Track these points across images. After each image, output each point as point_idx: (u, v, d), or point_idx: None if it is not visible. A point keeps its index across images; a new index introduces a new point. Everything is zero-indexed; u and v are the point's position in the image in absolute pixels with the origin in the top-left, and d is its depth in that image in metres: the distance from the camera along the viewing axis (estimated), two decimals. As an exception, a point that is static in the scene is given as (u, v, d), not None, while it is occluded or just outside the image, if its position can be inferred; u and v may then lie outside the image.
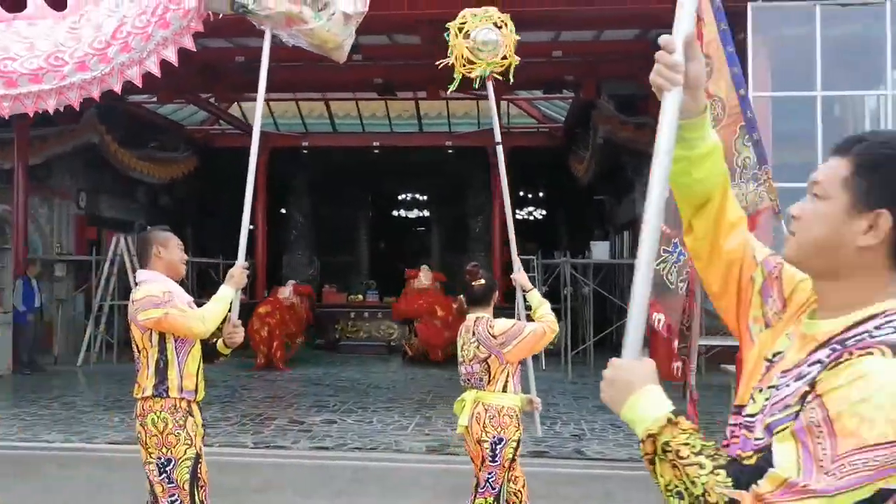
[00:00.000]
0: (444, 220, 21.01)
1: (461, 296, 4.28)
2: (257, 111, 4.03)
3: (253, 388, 10.88)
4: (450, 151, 17.50)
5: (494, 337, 3.77)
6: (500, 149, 5.15)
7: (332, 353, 15.06)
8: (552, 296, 14.03)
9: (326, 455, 7.10)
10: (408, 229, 22.07)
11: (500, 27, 4.57)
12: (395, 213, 22.47)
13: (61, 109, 3.56)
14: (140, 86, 3.99)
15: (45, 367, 12.04)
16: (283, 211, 19.85)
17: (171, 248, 3.64)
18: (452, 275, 20.12)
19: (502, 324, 3.81)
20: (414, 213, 22.44)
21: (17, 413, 8.74)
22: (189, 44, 3.87)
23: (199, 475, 3.52)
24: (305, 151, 17.91)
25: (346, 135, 17.84)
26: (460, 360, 3.95)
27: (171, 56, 3.82)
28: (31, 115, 3.63)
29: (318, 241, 19.89)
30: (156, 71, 3.73)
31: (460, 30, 4.53)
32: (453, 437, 7.70)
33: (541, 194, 22.19)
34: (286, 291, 13.38)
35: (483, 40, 4.52)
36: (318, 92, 15.72)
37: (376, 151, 17.74)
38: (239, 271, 3.73)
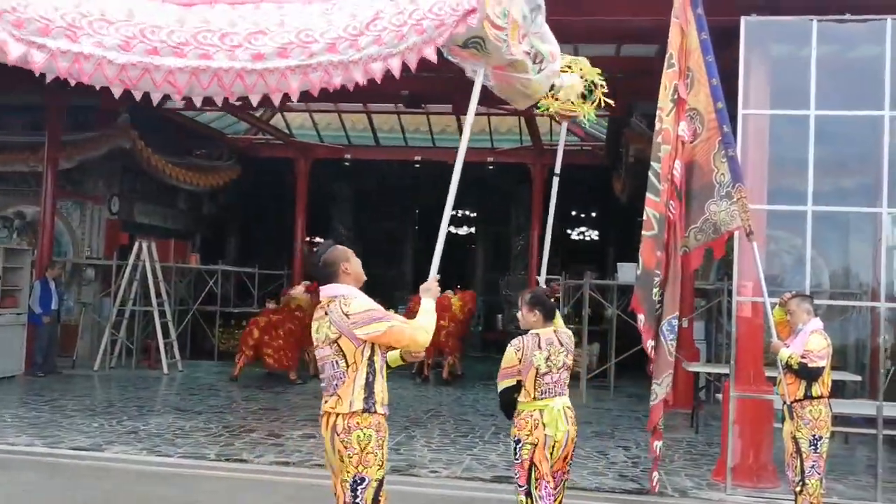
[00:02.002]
0: (487, 237, 20.70)
1: (535, 309, 4.41)
2: (463, 142, 4.28)
3: (254, 400, 10.76)
4: (490, 168, 17.21)
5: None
6: (556, 180, 5.68)
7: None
8: (577, 318, 13.60)
9: (279, 471, 6.87)
10: (452, 245, 21.82)
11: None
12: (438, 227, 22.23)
13: (293, 91, 3.53)
14: (378, 81, 3.89)
15: (61, 369, 12.23)
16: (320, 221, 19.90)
17: (353, 262, 3.69)
18: (495, 292, 19.86)
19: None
20: (462, 230, 22.18)
21: (0, 414, 8.86)
22: (431, 55, 3.92)
23: (379, 499, 3.53)
24: (348, 164, 17.92)
25: (389, 148, 17.77)
26: (545, 370, 4.22)
27: (412, 62, 3.87)
28: (255, 103, 3.62)
29: (361, 253, 19.78)
30: (396, 73, 3.77)
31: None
32: (423, 458, 7.45)
33: (593, 214, 21.60)
34: (299, 289, 13.20)
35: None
36: (360, 103, 15.67)
37: (417, 166, 17.62)
38: (433, 284, 3.85)
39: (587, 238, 21.92)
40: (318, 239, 20.82)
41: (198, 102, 3.63)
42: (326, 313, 3.55)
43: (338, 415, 3.46)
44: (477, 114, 14.32)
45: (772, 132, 6.99)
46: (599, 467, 7.46)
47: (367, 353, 3.49)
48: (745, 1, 7.01)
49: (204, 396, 10.77)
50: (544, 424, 4.18)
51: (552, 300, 4.52)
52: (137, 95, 3.45)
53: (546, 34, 4.82)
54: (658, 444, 6.51)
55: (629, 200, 14.21)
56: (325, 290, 3.63)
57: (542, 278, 4.94)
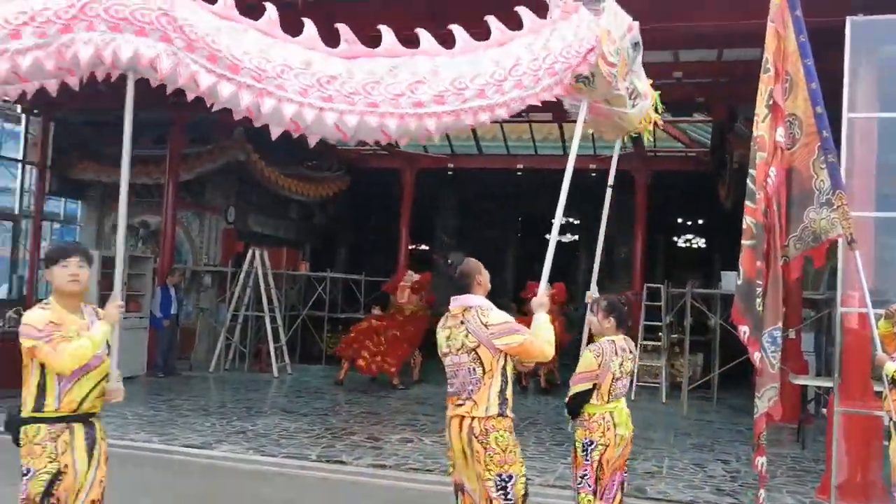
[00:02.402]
0: (590, 245, 20.49)
1: (610, 316, 4.66)
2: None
3: (357, 403, 11.10)
4: (593, 175, 17.05)
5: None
6: (609, 192, 5.92)
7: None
8: (680, 327, 13.29)
9: (376, 473, 7.09)
10: (556, 253, 21.70)
11: None
12: (546, 236, 22.21)
13: (450, 132, 4.14)
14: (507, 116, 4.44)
15: (179, 371, 12.99)
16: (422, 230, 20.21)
17: (485, 274, 3.98)
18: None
19: None
20: (566, 237, 22.03)
21: (122, 412, 9.48)
22: (560, 93, 4.46)
23: (527, 493, 3.87)
24: (451, 173, 18.17)
25: (492, 157, 17.91)
26: (619, 375, 4.52)
27: (545, 100, 4.40)
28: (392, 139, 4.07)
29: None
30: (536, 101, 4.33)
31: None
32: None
33: (699, 221, 21.03)
34: (404, 294, 13.50)
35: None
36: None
37: (519, 174, 17.68)
38: (545, 298, 4.14)
39: (693, 246, 21.35)
40: (423, 246, 21.23)
41: (353, 142, 3.96)
42: (462, 322, 3.81)
43: (473, 418, 3.75)
44: (563, 120, 14.21)
45: (880, 136, 6.69)
46: (696, 480, 7.33)
47: (501, 361, 3.77)
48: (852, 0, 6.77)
49: (310, 399, 11.20)
50: (616, 425, 4.46)
51: (626, 308, 4.77)
52: (312, 140, 3.88)
53: (641, 72, 5.21)
54: (761, 460, 6.32)
55: (734, 207, 13.78)
56: (460, 301, 3.87)
57: (592, 291, 4.98)
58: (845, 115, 6.52)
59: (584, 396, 4.49)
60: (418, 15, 8.24)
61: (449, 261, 4.02)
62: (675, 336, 13.29)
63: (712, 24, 8.18)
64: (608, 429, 4.44)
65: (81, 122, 15.11)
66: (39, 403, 3.35)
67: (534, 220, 21.29)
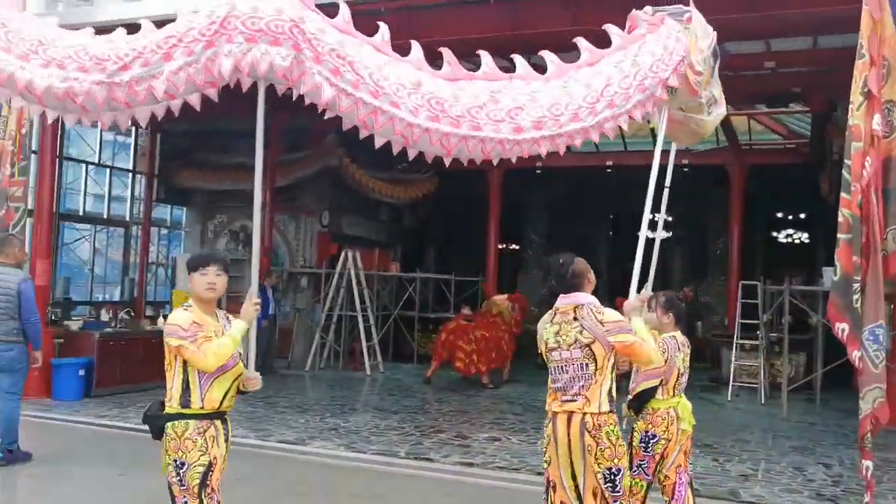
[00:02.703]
0: (684, 242, 19.99)
1: (669, 312, 4.87)
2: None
3: (446, 402, 11.22)
4: (686, 170, 16.64)
5: None
6: (666, 192, 5.62)
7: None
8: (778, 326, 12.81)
9: (463, 471, 7.17)
10: (649, 251, 21.26)
11: None
12: (639, 233, 21.77)
13: (543, 154, 4.33)
14: (611, 138, 4.73)
15: (277, 369, 13.45)
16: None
17: (592, 273, 4.12)
18: (693, 298, 19.13)
19: None
20: (661, 235, 21.55)
21: (224, 407, 9.93)
22: (651, 108, 4.64)
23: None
24: (539, 171, 18.10)
25: (580, 154, 17.70)
26: (682, 370, 4.76)
27: (637, 117, 4.63)
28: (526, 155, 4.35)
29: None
30: (625, 126, 4.57)
31: None
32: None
33: (801, 216, 20.18)
34: (501, 297, 13.62)
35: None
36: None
37: (609, 171, 17.44)
38: (638, 302, 4.35)
39: (795, 241, 20.51)
40: (513, 246, 21.21)
41: (448, 161, 4.22)
42: (576, 318, 3.89)
43: (585, 413, 3.82)
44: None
45: None
46: (794, 484, 7.07)
47: (611, 360, 3.87)
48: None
49: (401, 397, 11.40)
50: (679, 419, 4.68)
51: (683, 305, 4.97)
52: (412, 153, 4.08)
53: (717, 79, 5.28)
54: (867, 464, 6.06)
55: (836, 200, 13.16)
56: (570, 298, 3.96)
57: (647, 290, 4.74)
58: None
59: (651, 393, 4.65)
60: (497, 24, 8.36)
61: (560, 260, 4.06)
62: (775, 335, 12.82)
63: (803, 10, 7.88)
64: (671, 423, 4.65)
65: (184, 133, 15.87)
66: (185, 400, 3.57)
67: (625, 217, 20.92)
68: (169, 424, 3.57)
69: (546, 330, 4.01)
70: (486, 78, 4.24)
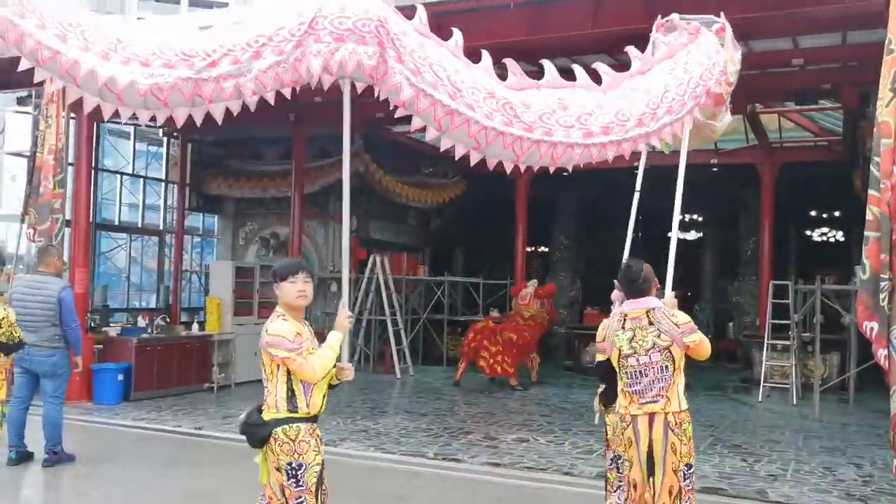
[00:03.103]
0: (715, 242, 19.88)
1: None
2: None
3: (474, 404, 11.30)
4: (715, 170, 16.56)
5: None
6: (636, 196, 6.18)
7: (579, 375, 14.88)
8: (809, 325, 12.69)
9: (490, 471, 7.25)
10: (681, 251, 21.09)
11: None
12: (669, 234, 21.64)
13: (609, 160, 4.63)
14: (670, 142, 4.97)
15: (309, 373, 13.60)
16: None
17: (656, 281, 4.36)
18: (725, 299, 19.03)
19: None
20: (690, 234, 21.43)
21: (257, 409, 10.11)
22: (697, 113, 4.94)
23: None
24: (566, 174, 18.07)
25: (608, 156, 17.72)
26: None
27: (689, 124, 4.92)
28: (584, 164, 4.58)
29: (581, 262, 19.94)
30: (682, 132, 4.91)
31: None
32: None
33: (836, 214, 19.92)
34: (527, 293, 13.64)
35: None
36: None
37: (635, 172, 17.36)
38: (672, 300, 4.52)
39: (830, 240, 20.25)
40: (541, 248, 21.23)
41: (523, 168, 4.42)
42: (652, 323, 4.09)
43: (667, 413, 4.04)
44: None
45: None
46: (823, 484, 7.05)
47: (683, 359, 4.08)
48: None
49: (430, 399, 11.50)
50: None
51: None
52: (475, 157, 4.23)
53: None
54: None
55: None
56: (641, 303, 4.16)
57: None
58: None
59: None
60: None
61: (630, 266, 4.27)
62: (808, 335, 12.70)
63: (829, 6, 7.84)
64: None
65: (214, 143, 16.17)
66: (293, 406, 3.69)
67: (654, 218, 20.83)
68: (279, 429, 3.68)
69: (619, 337, 4.16)
70: (551, 86, 4.38)
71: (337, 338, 3.80)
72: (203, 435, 8.45)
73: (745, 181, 16.71)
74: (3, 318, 3.17)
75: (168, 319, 13.27)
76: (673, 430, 4.02)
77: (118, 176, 15.57)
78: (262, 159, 15.87)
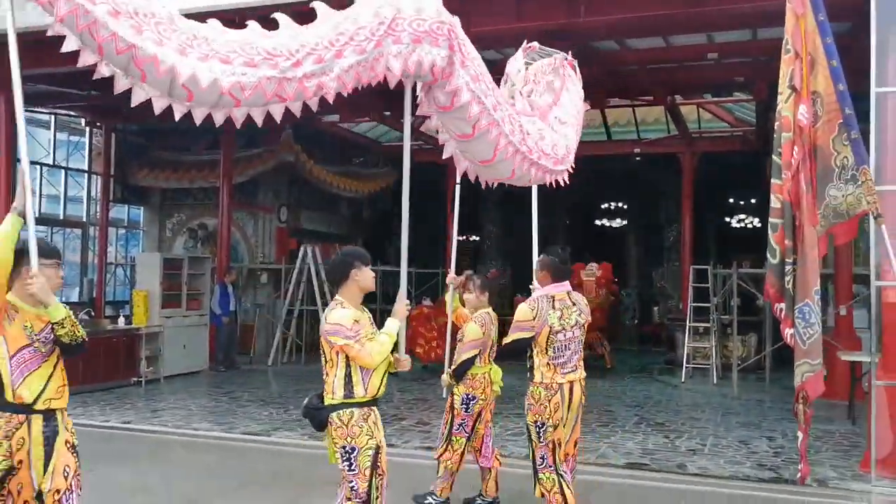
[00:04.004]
0: (638, 230, 20.46)
1: (487, 291, 5.92)
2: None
3: (408, 391, 11.40)
4: (637, 159, 17.05)
5: None
6: (457, 188, 7.01)
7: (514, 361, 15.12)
8: (727, 309, 13.26)
9: (424, 455, 7.37)
10: (604, 239, 21.66)
11: None
12: (597, 222, 22.19)
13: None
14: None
15: (240, 365, 13.53)
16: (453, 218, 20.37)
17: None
18: (650, 284, 19.64)
19: None
20: (616, 222, 22.01)
21: (187, 403, 10.03)
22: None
23: None
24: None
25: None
26: (493, 342, 5.72)
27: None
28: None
29: (510, 250, 20.26)
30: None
31: None
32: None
33: (752, 201, 20.73)
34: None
35: None
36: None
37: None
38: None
39: (748, 226, 21.07)
40: (472, 237, 21.46)
41: (508, 185, 5.25)
42: (574, 303, 4.78)
43: (581, 379, 4.80)
44: (622, 105, 14.39)
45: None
46: (738, 456, 7.44)
47: None
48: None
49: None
50: (492, 382, 5.65)
51: (495, 284, 5.73)
52: (482, 174, 4.88)
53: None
54: (800, 435, 6.44)
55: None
56: (563, 286, 4.81)
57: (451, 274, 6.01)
58: (873, 89, 6.51)
59: (471, 362, 5.49)
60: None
61: (559, 251, 4.91)
62: (727, 317, 13.27)
63: (743, 5, 8.21)
64: (487, 386, 5.57)
65: (138, 132, 15.82)
66: (349, 391, 3.76)
67: (580, 207, 21.32)
68: (334, 414, 3.75)
69: (550, 315, 4.66)
70: (529, 114, 4.94)
71: (395, 324, 3.89)
72: (131, 429, 8.36)
73: (665, 170, 17.25)
74: (66, 317, 2.99)
75: (92, 313, 12.98)
76: (584, 393, 4.79)
77: (37, 167, 15.08)
78: (190, 149, 15.61)
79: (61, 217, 15.85)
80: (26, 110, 11.90)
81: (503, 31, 8.44)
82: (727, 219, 21.31)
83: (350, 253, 4.07)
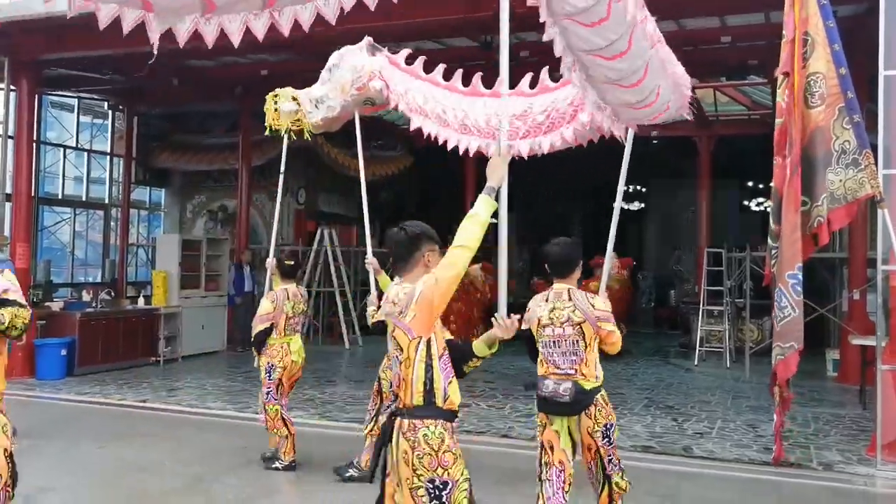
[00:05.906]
0: (656, 213, 20.40)
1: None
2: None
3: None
4: (655, 142, 16.96)
5: None
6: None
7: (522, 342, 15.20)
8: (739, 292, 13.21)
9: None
10: (622, 222, 21.58)
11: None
12: (614, 205, 22.09)
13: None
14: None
15: (257, 344, 13.72)
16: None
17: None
18: (667, 267, 19.59)
19: None
20: (634, 205, 21.93)
21: (203, 383, 10.23)
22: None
23: None
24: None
25: (554, 129, 17.96)
26: (290, 314, 6.45)
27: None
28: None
29: (528, 233, 20.27)
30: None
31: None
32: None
33: (771, 184, 20.54)
34: (475, 267, 13.79)
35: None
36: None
37: (573, 148, 17.69)
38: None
39: (767, 209, 20.87)
40: (492, 220, 21.46)
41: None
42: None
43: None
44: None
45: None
46: (745, 440, 7.48)
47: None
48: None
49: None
50: (291, 352, 6.38)
51: (289, 265, 6.58)
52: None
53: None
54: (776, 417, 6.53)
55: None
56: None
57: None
58: (881, 72, 6.47)
59: (266, 333, 6.25)
60: None
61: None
62: (741, 300, 13.23)
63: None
64: (286, 355, 6.32)
65: (160, 116, 16.00)
66: (601, 371, 4.33)
67: (599, 189, 21.22)
68: (599, 396, 4.27)
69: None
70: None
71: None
72: (147, 407, 8.57)
73: (683, 153, 17.15)
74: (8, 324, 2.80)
75: (113, 294, 13.23)
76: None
77: (61, 149, 15.34)
78: (210, 133, 15.77)
79: (84, 199, 16.11)
80: (51, 93, 12.15)
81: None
82: (746, 202, 21.15)
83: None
